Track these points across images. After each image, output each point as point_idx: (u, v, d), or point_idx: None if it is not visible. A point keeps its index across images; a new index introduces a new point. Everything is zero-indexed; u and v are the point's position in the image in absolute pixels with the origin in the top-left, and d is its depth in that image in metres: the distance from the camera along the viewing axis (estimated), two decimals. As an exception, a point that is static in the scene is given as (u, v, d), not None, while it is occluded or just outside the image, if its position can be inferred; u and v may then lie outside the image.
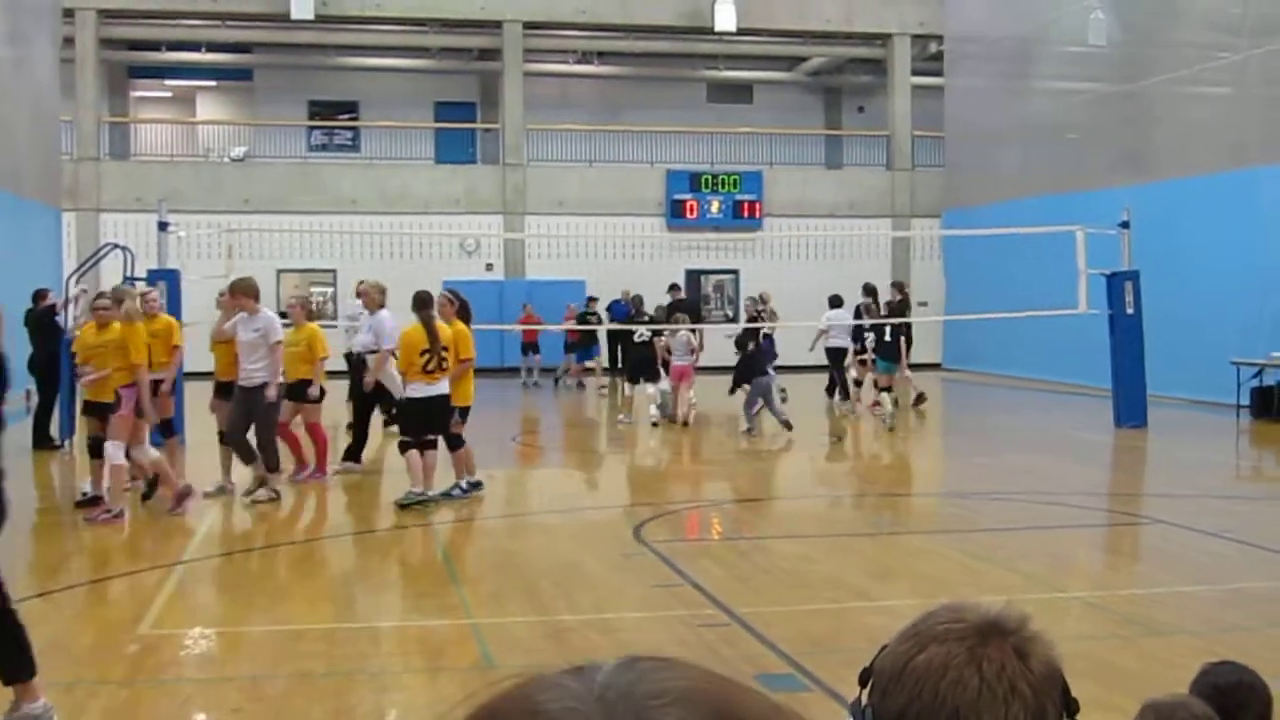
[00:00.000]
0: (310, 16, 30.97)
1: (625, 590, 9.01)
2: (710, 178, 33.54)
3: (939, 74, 33.97)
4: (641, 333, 21.16)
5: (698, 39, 34.62)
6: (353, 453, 15.59)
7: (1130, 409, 18.98)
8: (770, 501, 14.15)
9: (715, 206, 33.32)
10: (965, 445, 19.67)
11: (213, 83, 36.80)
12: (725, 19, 32.72)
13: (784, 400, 20.01)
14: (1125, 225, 19.51)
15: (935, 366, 32.98)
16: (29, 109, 24.96)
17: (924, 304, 33.46)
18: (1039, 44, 28.99)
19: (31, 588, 9.08)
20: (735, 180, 33.54)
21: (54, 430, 17.06)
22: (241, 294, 13.23)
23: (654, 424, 20.21)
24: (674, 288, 23.16)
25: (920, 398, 22.63)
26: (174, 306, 17.55)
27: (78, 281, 20.94)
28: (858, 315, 22.46)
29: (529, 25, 32.97)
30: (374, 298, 16.15)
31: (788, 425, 18.82)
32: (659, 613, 8.25)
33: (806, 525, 12.53)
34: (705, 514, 13.04)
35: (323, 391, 14.49)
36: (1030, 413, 22.99)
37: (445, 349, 12.59)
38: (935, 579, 9.30)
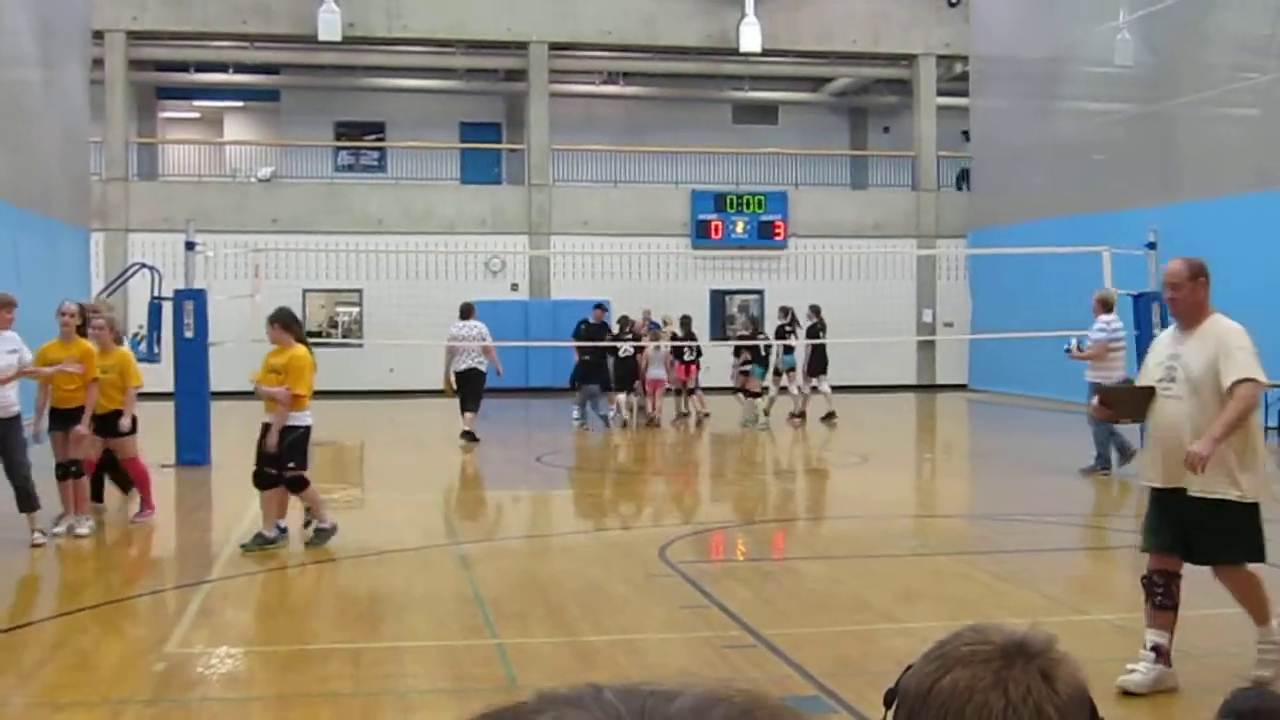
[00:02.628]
0: (337, 38, 31.15)
1: (651, 611, 8.99)
2: (735, 198, 33.56)
3: (964, 94, 33.98)
4: (626, 349, 23.54)
5: (723, 60, 34.68)
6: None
7: (1157, 430, 18.86)
8: (795, 522, 14.12)
9: (740, 227, 33.34)
10: (992, 466, 19.59)
11: (240, 104, 37.06)
12: (750, 40, 32.77)
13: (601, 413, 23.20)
14: (1152, 246, 19.46)
15: (962, 387, 32.91)
16: (59, 131, 25.14)
17: (950, 324, 33.44)
18: (1065, 64, 28.96)
19: (54, 608, 9.13)
20: (760, 201, 33.56)
21: None
22: None
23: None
24: (598, 307, 24.45)
25: (830, 415, 23.86)
26: (201, 326, 17.67)
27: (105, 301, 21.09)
28: (779, 335, 24.09)
29: (554, 46, 33.08)
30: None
31: (596, 424, 22.73)
32: (685, 634, 8.24)
33: (832, 546, 12.50)
34: (730, 535, 13.00)
35: (135, 423, 12.66)
36: (1057, 433, 22.88)
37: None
38: (962, 600, 9.26)
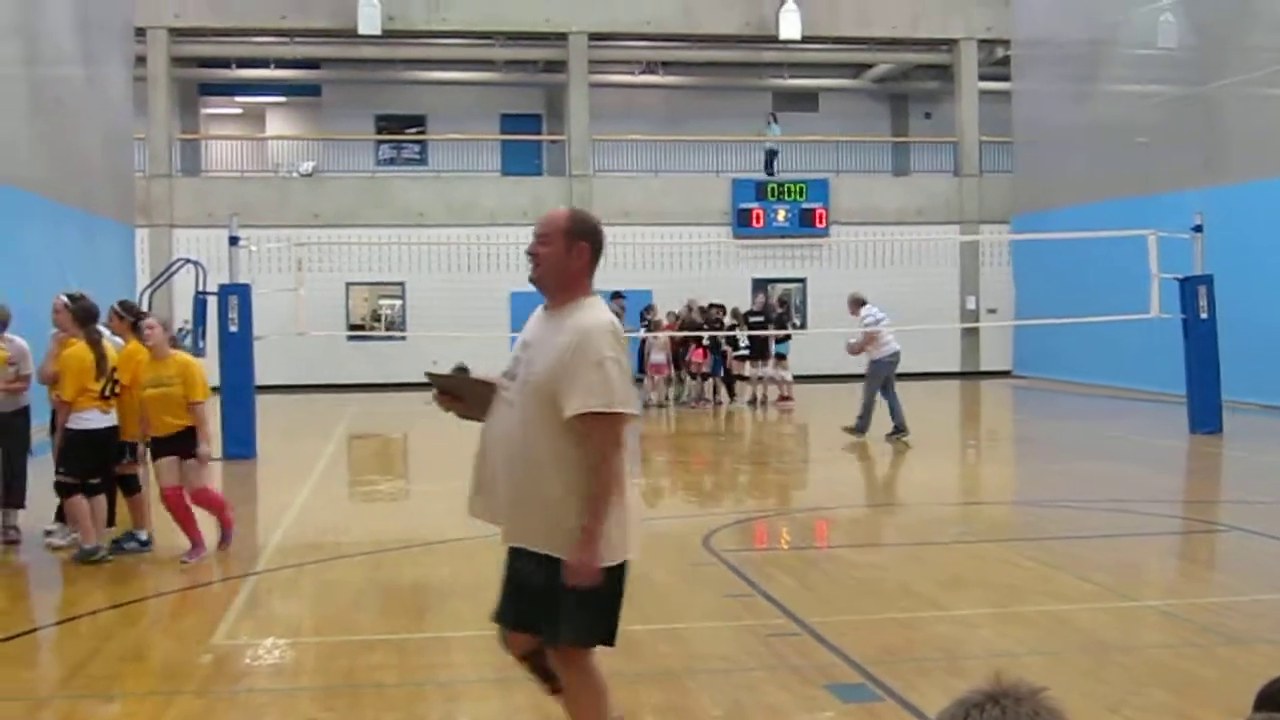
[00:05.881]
0: (377, 31, 31.26)
1: (695, 600, 8.98)
2: (776, 186, 33.48)
3: (1006, 78, 33.76)
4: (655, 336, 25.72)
5: (762, 47, 34.60)
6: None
7: (1205, 415, 18.74)
8: (839, 509, 14.08)
9: (781, 215, 33.27)
10: (1037, 452, 19.48)
11: (282, 99, 37.23)
12: (790, 27, 32.68)
13: None
14: (1198, 229, 19.27)
15: (1006, 374, 32.73)
16: (102, 128, 25.31)
17: (993, 311, 33.25)
18: (1108, 47, 28.73)
19: (101, 601, 9.20)
20: (801, 188, 33.47)
21: None
22: None
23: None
24: (616, 295, 25.20)
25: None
26: (245, 320, 17.78)
27: (151, 297, 21.25)
28: (780, 324, 26.46)
29: (594, 36, 33.08)
30: None
31: None
32: (729, 623, 8.22)
33: (876, 533, 12.47)
34: (774, 522, 12.99)
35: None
36: (1102, 419, 22.76)
37: (114, 370, 10.53)
38: (1008, 587, 9.21)
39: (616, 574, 4.75)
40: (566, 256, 4.87)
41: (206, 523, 10.80)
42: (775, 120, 34.74)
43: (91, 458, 10.39)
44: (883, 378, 19.04)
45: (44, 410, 11.89)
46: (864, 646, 7.44)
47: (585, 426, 4.59)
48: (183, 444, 10.32)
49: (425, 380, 5.18)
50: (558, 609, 4.73)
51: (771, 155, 34.70)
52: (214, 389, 17.05)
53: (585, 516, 4.61)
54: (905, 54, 35.76)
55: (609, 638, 4.84)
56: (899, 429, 18.72)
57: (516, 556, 4.89)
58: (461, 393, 5.15)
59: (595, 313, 4.82)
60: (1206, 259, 19.23)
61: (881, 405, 18.91)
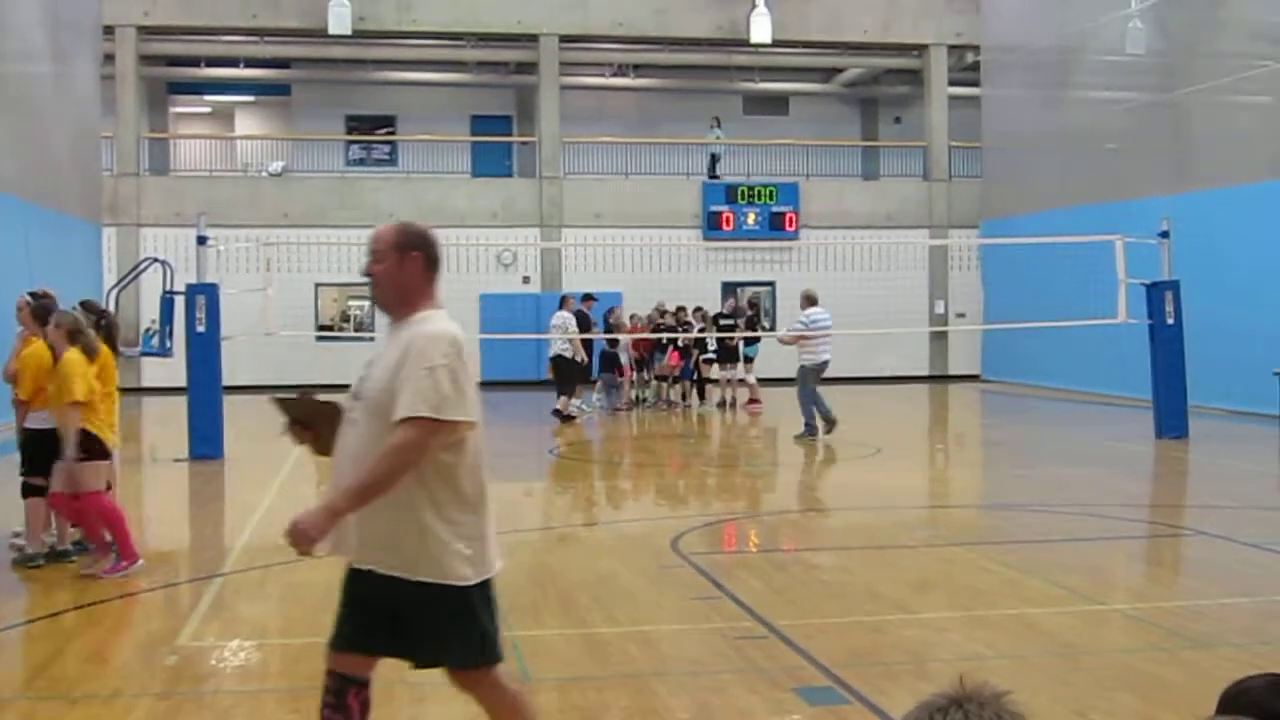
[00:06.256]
0: (347, 31, 31.16)
1: (663, 603, 8.98)
2: (746, 189, 33.52)
3: (976, 84, 33.88)
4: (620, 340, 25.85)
5: (733, 51, 34.65)
6: None
7: (1171, 420, 18.83)
8: (807, 513, 14.09)
9: (751, 218, 33.32)
10: (1005, 456, 19.55)
11: (251, 98, 37.08)
12: (761, 31, 32.72)
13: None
14: (1165, 235, 19.37)
15: (974, 378, 32.84)
16: (70, 126, 25.17)
17: (962, 315, 33.38)
18: (1077, 53, 28.86)
19: (66, 601, 9.13)
20: (771, 192, 33.53)
21: None
22: None
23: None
24: (587, 297, 25.46)
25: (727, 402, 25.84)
26: (213, 320, 17.69)
27: (118, 296, 21.12)
28: (750, 325, 26.92)
29: (565, 38, 33.06)
30: None
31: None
32: (697, 625, 8.22)
33: (844, 537, 12.48)
34: (742, 526, 12.99)
35: (92, 447, 9.82)
36: (1069, 424, 22.85)
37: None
38: (975, 591, 9.24)
39: (476, 593, 4.59)
40: (399, 270, 4.78)
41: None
42: (718, 124, 34.71)
43: (52, 457, 10.02)
44: (807, 379, 19.62)
45: (7, 410, 11.80)
46: (831, 650, 7.45)
47: (406, 428, 4.39)
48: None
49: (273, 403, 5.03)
50: (431, 632, 4.60)
51: (714, 159, 34.68)
52: (181, 389, 17.00)
53: (342, 494, 4.46)
54: (876, 59, 35.86)
55: (488, 656, 4.72)
56: (827, 422, 19.45)
57: (362, 579, 4.70)
58: (311, 419, 4.91)
59: (434, 324, 4.71)
60: (1174, 264, 19.32)
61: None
